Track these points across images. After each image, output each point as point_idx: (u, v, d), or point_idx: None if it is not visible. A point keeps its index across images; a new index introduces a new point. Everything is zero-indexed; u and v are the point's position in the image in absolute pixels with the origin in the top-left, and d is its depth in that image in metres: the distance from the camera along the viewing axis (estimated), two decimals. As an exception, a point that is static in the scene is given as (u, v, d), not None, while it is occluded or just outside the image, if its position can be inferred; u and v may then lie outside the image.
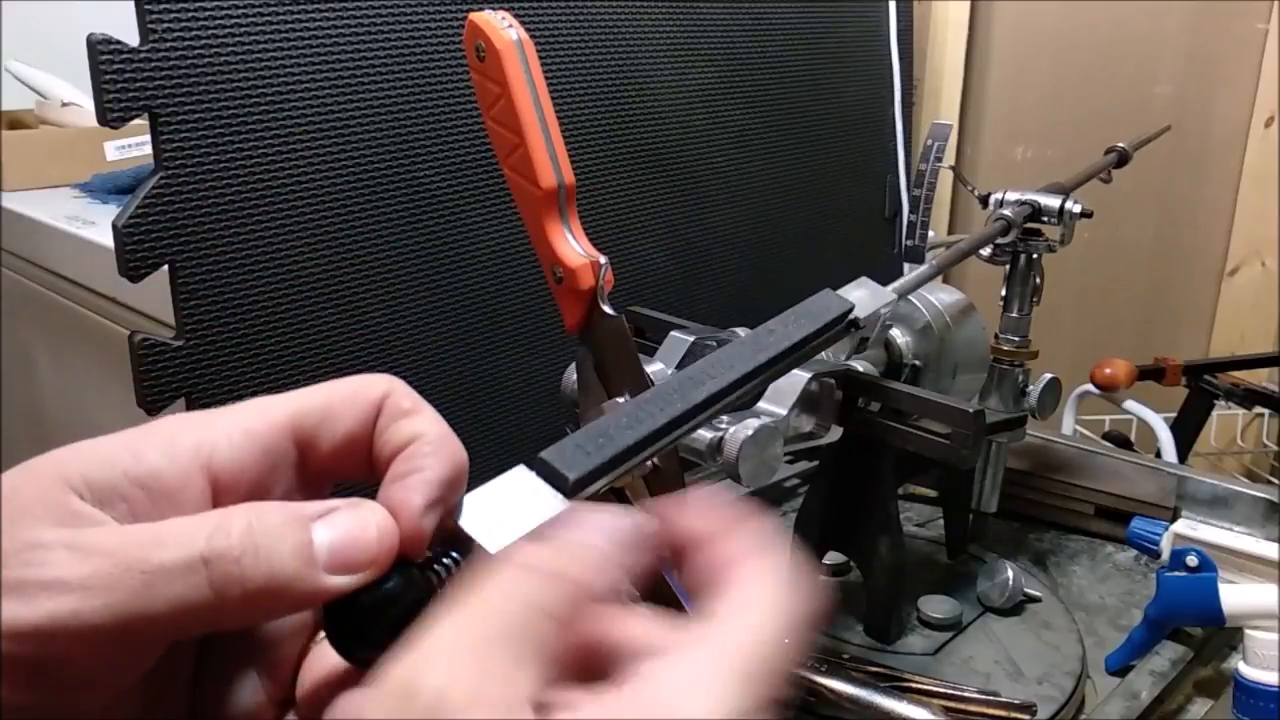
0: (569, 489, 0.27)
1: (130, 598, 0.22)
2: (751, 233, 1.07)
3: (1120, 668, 0.67)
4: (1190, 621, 0.67)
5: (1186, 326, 1.52)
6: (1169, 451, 1.20)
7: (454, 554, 0.26)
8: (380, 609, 0.25)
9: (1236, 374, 1.29)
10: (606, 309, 0.48)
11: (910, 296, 0.73)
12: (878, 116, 1.23)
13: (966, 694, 0.58)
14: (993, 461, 0.80)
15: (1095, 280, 1.49)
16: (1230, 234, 1.46)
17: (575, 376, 0.51)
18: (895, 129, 1.25)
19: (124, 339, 0.67)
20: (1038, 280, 0.78)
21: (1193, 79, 1.44)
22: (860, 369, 0.64)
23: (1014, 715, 0.57)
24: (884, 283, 0.76)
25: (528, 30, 0.46)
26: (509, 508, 0.26)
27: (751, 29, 1.03)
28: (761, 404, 0.57)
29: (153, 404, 0.67)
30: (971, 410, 0.54)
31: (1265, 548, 0.68)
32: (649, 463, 0.48)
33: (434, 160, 0.78)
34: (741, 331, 0.66)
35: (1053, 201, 0.75)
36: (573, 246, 0.48)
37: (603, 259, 0.48)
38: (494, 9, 0.47)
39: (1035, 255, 0.77)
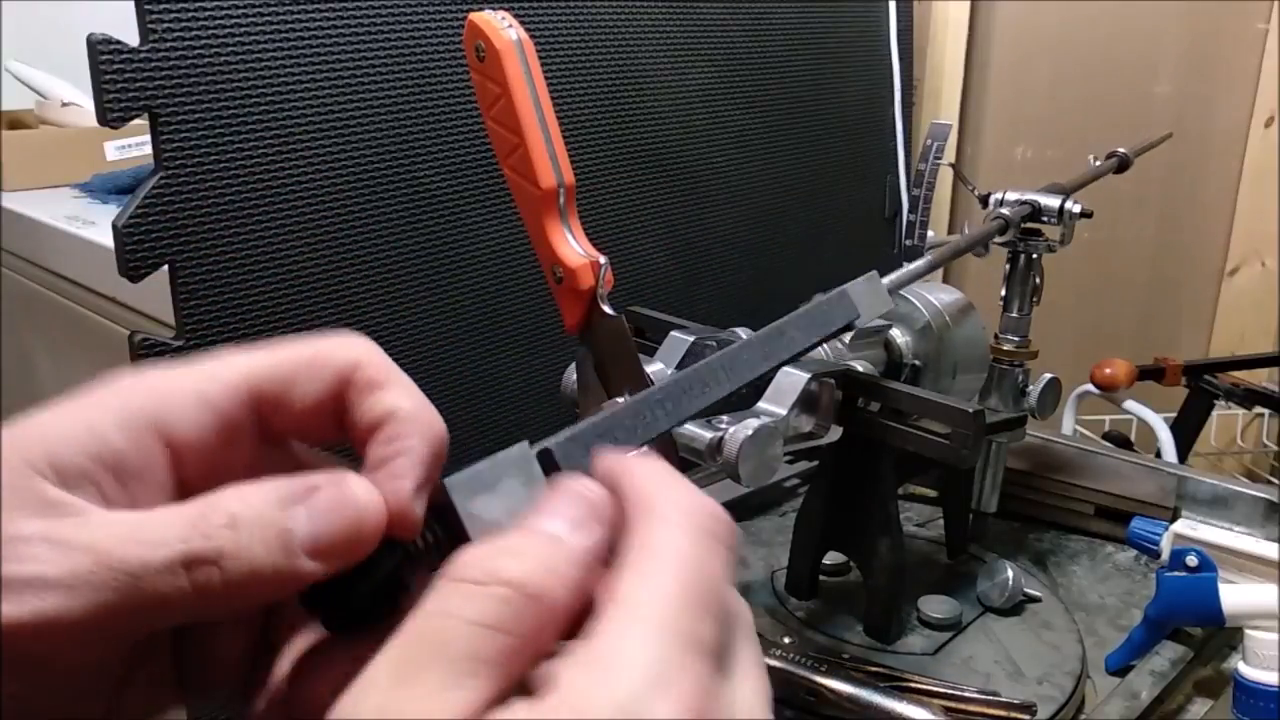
0: None
1: (113, 597, 0.22)
2: (751, 233, 1.07)
3: (1120, 668, 0.67)
4: (1190, 621, 0.67)
5: (1186, 326, 1.52)
6: (1169, 451, 1.20)
7: (437, 527, 0.26)
8: (367, 589, 0.25)
9: (1236, 374, 1.29)
10: (606, 309, 0.48)
11: (910, 296, 0.73)
12: (878, 116, 1.23)
13: (966, 694, 0.58)
14: (993, 461, 0.80)
15: (1095, 280, 1.49)
16: (1230, 234, 1.46)
17: (575, 376, 0.51)
18: (895, 129, 1.25)
19: (124, 339, 0.67)
20: (1038, 280, 0.78)
21: (1193, 79, 1.44)
22: (860, 369, 0.64)
23: (1014, 715, 0.57)
24: (884, 283, 0.76)
25: (528, 30, 0.46)
26: (500, 491, 0.26)
27: (751, 29, 1.03)
28: (761, 404, 0.57)
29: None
30: (971, 410, 0.54)
31: (1265, 548, 0.68)
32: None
33: (434, 160, 0.78)
34: (742, 332, 0.66)
35: (1052, 201, 0.75)
36: (573, 246, 0.48)
37: (603, 259, 0.48)
38: (494, 9, 0.47)
39: (1035, 255, 0.77)
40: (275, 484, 0.25)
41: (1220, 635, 0.70)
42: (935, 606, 0.68)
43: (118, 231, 0.63)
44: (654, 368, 0.62)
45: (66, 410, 0.25)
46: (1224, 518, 0.84)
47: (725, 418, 0.54)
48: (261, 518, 0.24)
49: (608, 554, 0.24)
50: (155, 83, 0.63)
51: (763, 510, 0.89)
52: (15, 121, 1.43)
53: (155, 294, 0.70)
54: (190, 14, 0.64)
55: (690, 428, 0.54)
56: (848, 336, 0.68)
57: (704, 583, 0.23)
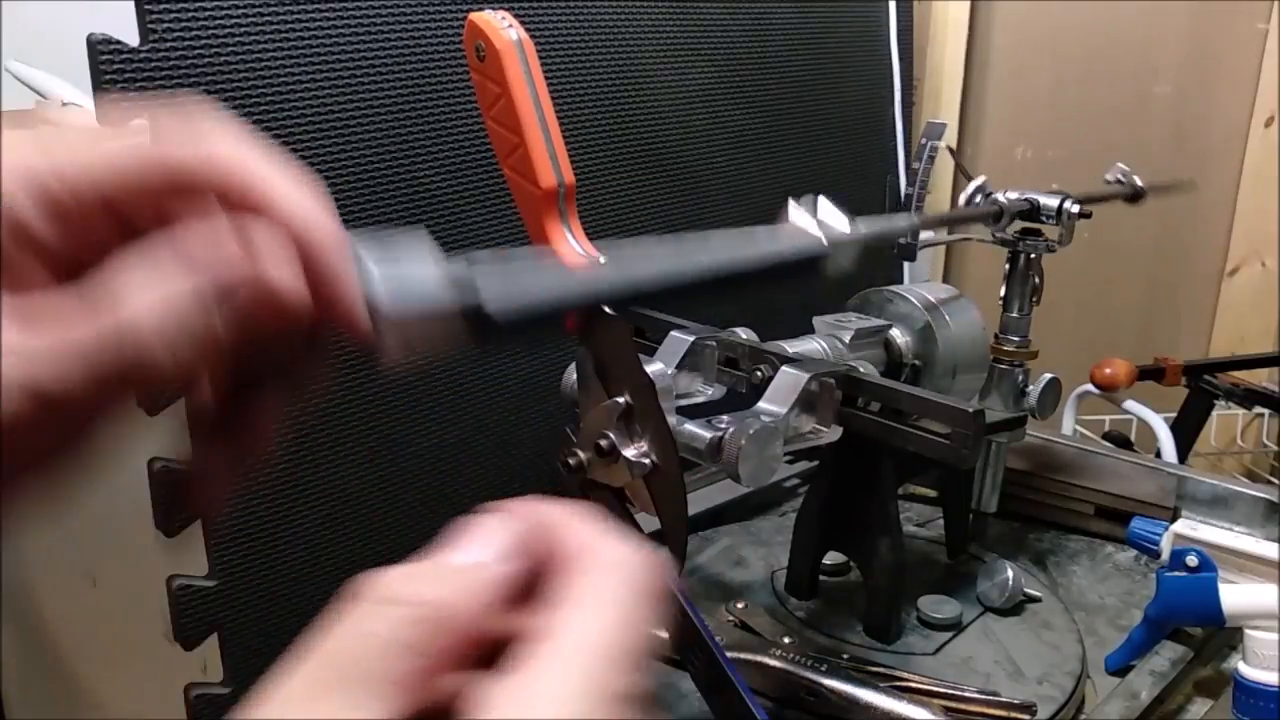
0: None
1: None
2: (751, 233, 1.07)
3: (1120, 668, 0.67)
4: (1190, 621, 0.67)
5: (1186, 326, 1.52)
6: (1169, 451, 1.20)
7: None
8: None
9: (1236, 374, 1.29)
10: (606, 309, 0.48)
11: (910, 297, 0.73)
12: (878, 116, 1.23)
13: (966, 694, 0.58)
14: (993, 461, 0.80)
15: (1095, 280, 1.49)
16: (1230, 234, 1.46)
17: (575, 376, 0.51)
18: (895, 129, 1.25)
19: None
20: (1037, 280, 0.78)
21: (1193, 79, 1.44)
22: (860, 369, 0.64)
23: (1014, 715, 0.57)
24: (886, 283, 0.76)
25: (528, 30, 0.46)
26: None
27: (751, 29, 1.03)
28: (761, 404, 0.57)
29: (153, 403, 0.67)
30: (971, 410, 0.54)
31: (1265, 548, 0.68)
32: (648, 461, 0.48)
33: (434, 160, 0.78)
34: (742, 332, 0.66)
35: (1051, 201, 0.75)
36: (573, 246, 0.48)
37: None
38: (494, 9, 0.47)
39: (1035, 255, 0.77)
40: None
41: (1220, 635, 0.70)
42: (935, 606, 0.68)
43: (118, 231, 0.63)
44: (654, 368, 0.61)
45: None
46: (1224, 518, 0.84)
47: (725, 417, 0.54)
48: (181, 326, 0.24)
49: (530, 591, 0.24)
50: (155, 83, 0.63)
51: (763, 510, 0.89)
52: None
53: (155, 294, 0.70)
54: (190, 14, 0.64)
55: (690, 427, 0.54)
56: (847, 336, 0.68)
57: (638, 634, 0.23)
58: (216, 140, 0.25)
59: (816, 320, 0.71)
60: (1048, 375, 0.78)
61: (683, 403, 0.62)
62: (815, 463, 0.75)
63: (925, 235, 0.79)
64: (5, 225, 0.23)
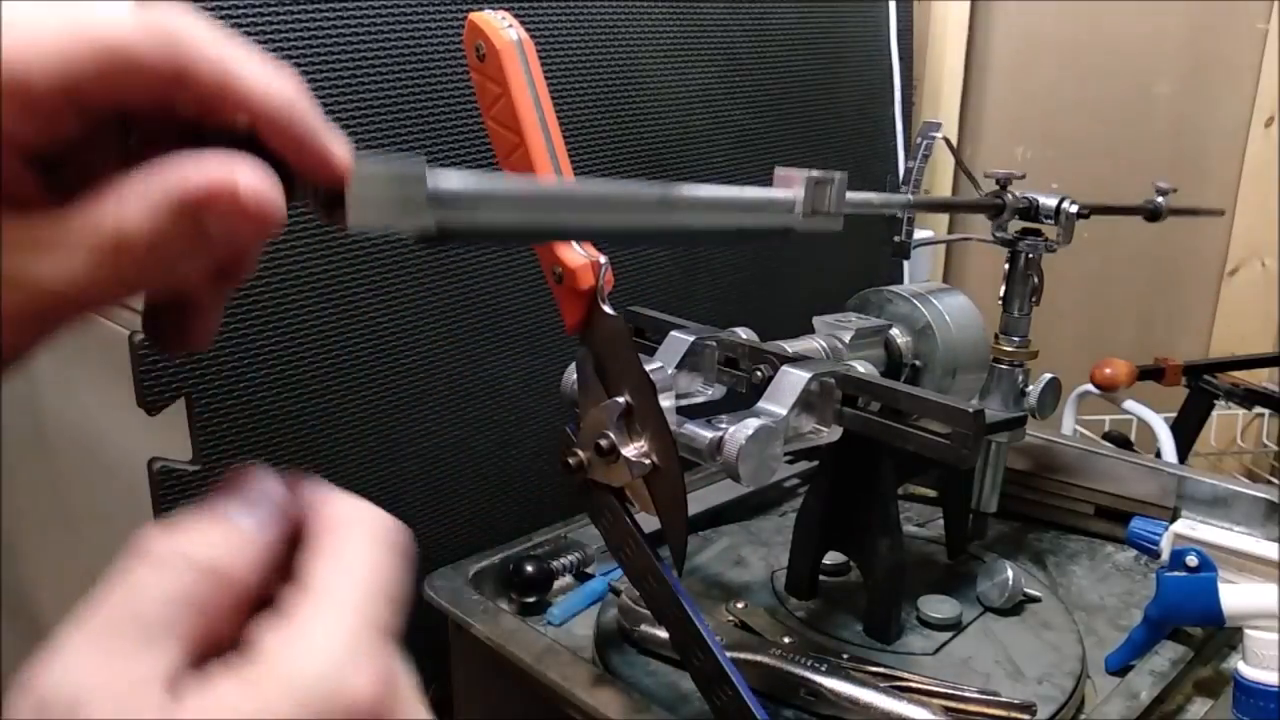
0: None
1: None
2: (751, 233, 1.07)
3: (1120, 668, 0.67)
4: (1190, 621, 0.67)
5: (1186, 326, 1.52)
6: (1169, 451, 1.20)
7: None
8: None
9: (1236, 374, 1.29)
10: (606, 309, 0.48)
11: (910, 297, 0.73)
12: (878, 116, 1.23)
13: (966, 694, 0.58)
14: (993, 461, 0.80)
15: (1095, 280, 1.49)
16: (1230, 234, 1.46)
17: (575, 376, 0.51)
18: (895, 129, 1.25)
19: (124, 339, 0.67)
20: (1037, 280, 0.78)
21: (1193, 79, 1.44)
22: (860, 369, 0.64)
23: (1014, 715, 0.57)
24: (885, 283, 0.76)
25: (528, 30, 0.46)
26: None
27: (751, 29, 1.03)
28: (761, 404, 0.57)
29: (153, 404, 0.67)
30: (971, 410, 0.54)
31: (1265, 548, 0.68)
32: (648, 461, 0.48)
33: (434, 160, 0.78)
34: (742, 332, 0.66)
35: (1050, 201, 0.75)
36: (573, 246, 0.48)
37: (603, 259, 0.48)
38: (494, 9, 0.47)
39: (1035, 255, 0.77)
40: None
41: (1220, 635, 0.70)
42: (935, 606, 0.68)
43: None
44: (654, 367, 0.62)
45: None
46: (1224, 518, 0.84)
47: (725, 417, 0.54)
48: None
49: (290, 548, 0.26)
50: (155, 83, 0.63)
51: (763, 510, 0.89)
52: (15, 121, 1.43)
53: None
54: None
55: (690, 427, 0.54)
56: (847, 336, 0.68)
57: (388, 579, 0.26)
58: (177, 28, 0.25)
59: (816, 320, 0.71)
60: (1048, 375, 0.78)
61: (683, 403, 0.62)
62: (815, 463, 0.75)
63: (924, 234, 0.79)
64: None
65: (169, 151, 0.25)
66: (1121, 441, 1.31)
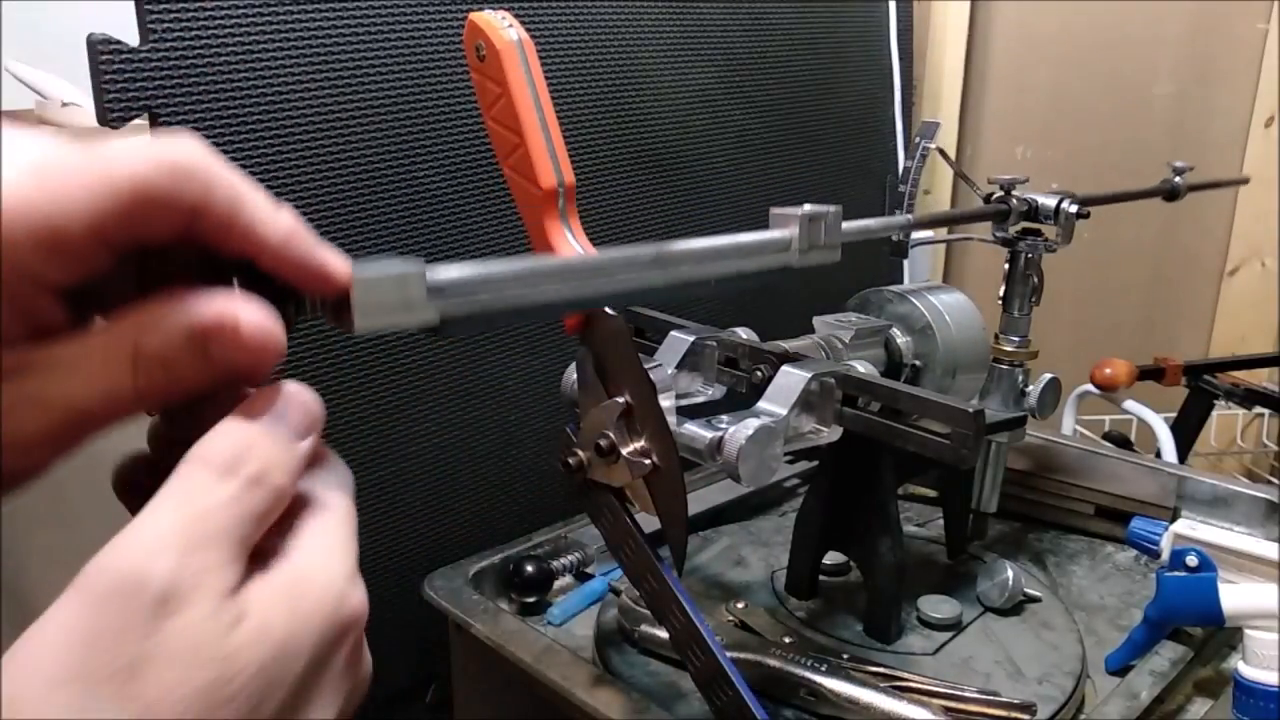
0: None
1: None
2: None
3: (1120, 668, 0.67)
4: (1190, 621, 0.67)
5: (1186, 326, 1.52)
6: (1169, 451, 1.20)
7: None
8: None
9: (1236, 374, 1.29)
10: (606, 309, 0.48)
11: (910, 297, 0.73)
12: (878, 116, 1.23)
13: (966, 694, 0.58)
14: (993, 461, 0.80)
15: (1095, 280, 1.49)
16: (1230, 234, 1.46)
17: (575, 376, 0.51)
18: (895, 129, 1.25)
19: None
20: (1037, 280, 0.78)
21: (1193, 79, 1.44)
22: (860, 369, 0.64)
23: (1014, 715, 0.57)
24: (885, 283, 0.76)
25: (528, 30, 0.46)
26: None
27: (751, 29, 1.03)
28: (761, 404, 0.57)
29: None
30: (971, 410, 0.54)
31: (1265, 548, 0.68)
32: (648, 461, 0.48)
33: (434, 160, 0.78)
34: (742, 332, 0.66)
35: (1049, 201, 0.75)
36: (573, 246, 0.48)
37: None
38: (494, 9, 0.47)
39: (1035, 255, 0.77)
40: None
41: (1220, 635, 0.70)
42: (935, 606, 0.68)
43: (118, 231, 0.63)
44: (654, 368, 0.62)
45: None
46: (1224, 518, 0.84)
47: (725, 418, 0.54)
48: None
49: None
50: (155, 83, 0.63)
51: (763, 510, 0.89)
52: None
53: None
54: (190, 14, 0.64)
55: (690, 427, 0.54)
56: (847, 336, 0.68)
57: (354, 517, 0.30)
58: (195, 168, 0.27)
59: (816, 320, 0.71)
60: (1048, 375, 0.78)
61: (683, 403, 0.62)
62: (815, 463, 0.75)
63: (923, 234, 0.79)
64: (8, 274, 0.25)
65: (180, 269, 0.28)
66: (1121, 441, 1.31)
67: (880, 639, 0.66)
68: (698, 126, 0.99)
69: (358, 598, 0.28)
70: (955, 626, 0.68)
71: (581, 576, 0.78)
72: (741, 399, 0.61)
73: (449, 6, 0.77)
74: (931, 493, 0.89)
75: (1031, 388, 0.77)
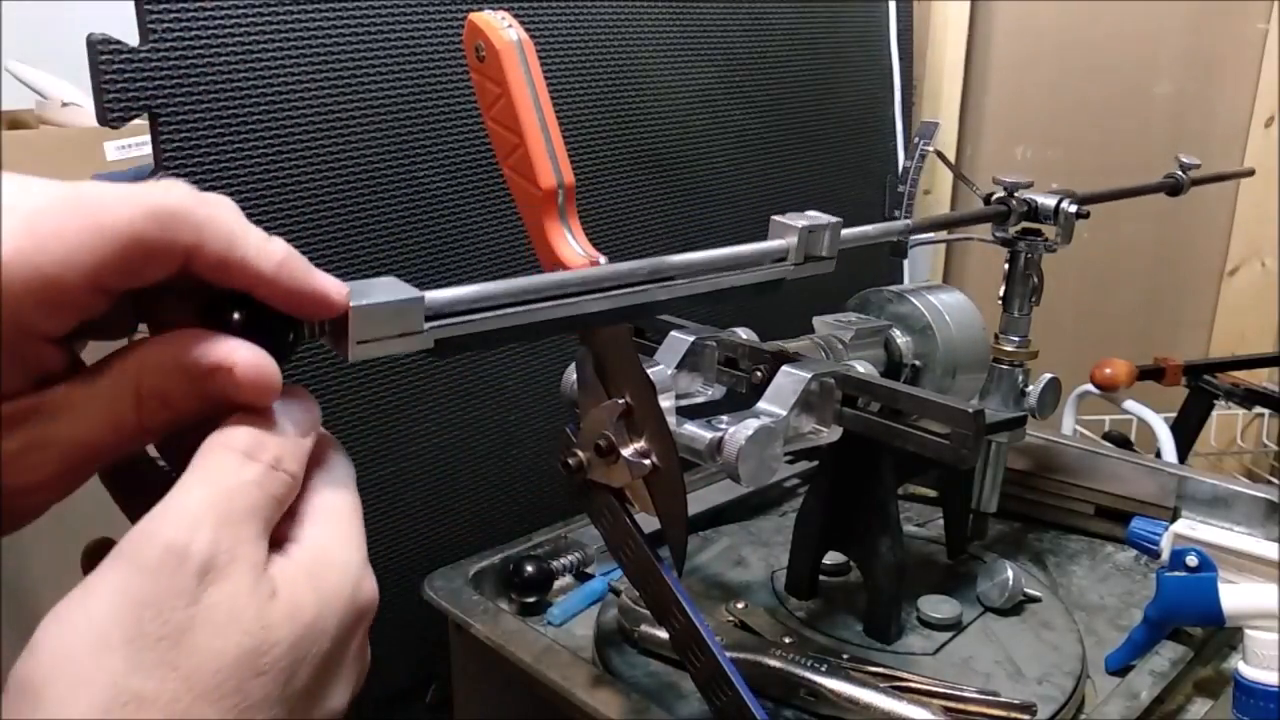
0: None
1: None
2: (751, 233, 1.06)
3: (1120, 668, 0.67)
4: (1190, 621, 0.67)
5: (1186, 326, 1.52)
6: (1169, 451, 1.20)
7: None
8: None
9: (1236, 374, 1.29)
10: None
11: (910, 297, 0.73)
12: (878, 116, 1.23)
13: (966, 694, 0.58)
14: (993, 461, 0.80)
15: (1095, 280, 1.49)
16: (1230, 234, 1.46)
17: (575, 376, 0.51)
18: (895, 129, 1.24)
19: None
20: (1037, 280, 0.78)
21: (1193, 79, 1.44)
22: (860, 369, 0.64)
23: (1014, 715, 0.57)
24: (885, 283, 0.76)
25: (528, 30, 0.46)
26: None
27: (751, 29, 1.03)
28: (761, 404, 0.57)
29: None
30: (971, 410, 0.54)
31: (1265, 548, 0.68)
32: (648, 461, 0.48)
33: (434, 160, 0.78)
34: (742, 332, 0.66)
35: (1049, 201, 0.75)
36: (573, 246, 0.48)
37: (603, 259, 0.48)
38: (494, 9, 0.47)
39: (1035, 255, 0.77)
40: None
41: (1220, 635, 0.70)
42: (935, 606, 0.68)
43: (118, 231, 0.63)
44: (654, 368, 0.62)
45: None
46: (1224, 518, 0.84)
47: (725, 418, 0.54)
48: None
49: None
50: (155, 83, 0.63)
51: (763, 510, 0.89)
52: (15, 122, 1.43)
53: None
54: (190, 14, 0.64)
55: (690, 427, 0.54)
56: (848, 336, 0.68)
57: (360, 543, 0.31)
58: (186, 213, 0.27)
59: (816, 320, 0.71)
60: (1048, 375, 0.78)
61: (683, 403, 0.62)
62: (815, 463, 0.75)
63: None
64: (8, 330, 0.26)
65: (178, 298, 0.29)
66: (1121, 441, 1.31)
67: (880, 639, 0.66)
68: (698, 126, 0.99)
69: (371, 585, 0.29)
70: (955, 626, 0.68)
71: (581, 576, 0.78)
72: (741, 399, 0.61)
73: (449, 6, 0.77)
74: (931, 493, 0.89)
75: (1031, 388, 0.77)
